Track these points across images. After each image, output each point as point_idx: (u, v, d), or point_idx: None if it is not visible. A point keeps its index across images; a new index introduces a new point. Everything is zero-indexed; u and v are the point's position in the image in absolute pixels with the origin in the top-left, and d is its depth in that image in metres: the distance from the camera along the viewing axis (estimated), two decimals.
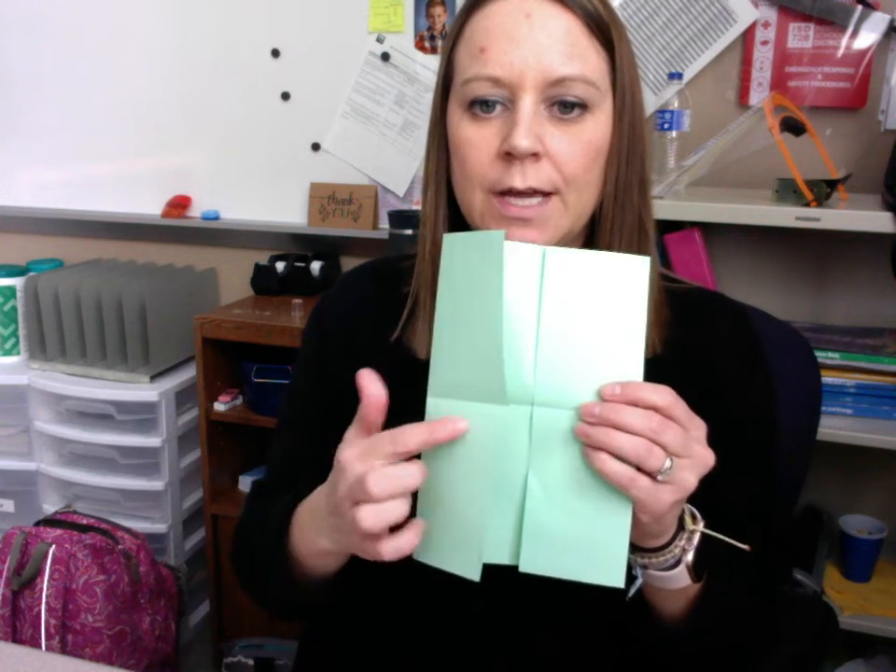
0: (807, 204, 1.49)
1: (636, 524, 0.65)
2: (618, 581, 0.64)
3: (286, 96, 2.15)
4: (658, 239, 1.68)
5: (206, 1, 2.16)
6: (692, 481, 0.64)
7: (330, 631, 0.94)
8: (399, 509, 0.63)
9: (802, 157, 1.54)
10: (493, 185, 0.76)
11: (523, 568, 0.66)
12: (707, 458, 0.64)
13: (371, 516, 0.63)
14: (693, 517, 0.71)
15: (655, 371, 0.66)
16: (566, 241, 0.81)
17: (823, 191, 1.50)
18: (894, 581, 1.70)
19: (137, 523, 2.02)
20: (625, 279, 0.63)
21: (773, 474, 0.87)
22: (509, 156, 0.75)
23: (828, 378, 1.55)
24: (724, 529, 0.72)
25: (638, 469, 0.61)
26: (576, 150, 0.75)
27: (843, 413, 1.58)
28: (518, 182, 0.75)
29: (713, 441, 0.68)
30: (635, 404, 0.61)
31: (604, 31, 0.76)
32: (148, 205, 2.33)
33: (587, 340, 0.63)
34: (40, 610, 1.70)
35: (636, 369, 0.63)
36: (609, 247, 0.81)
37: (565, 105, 0.75)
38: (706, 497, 0.68)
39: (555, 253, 0.64)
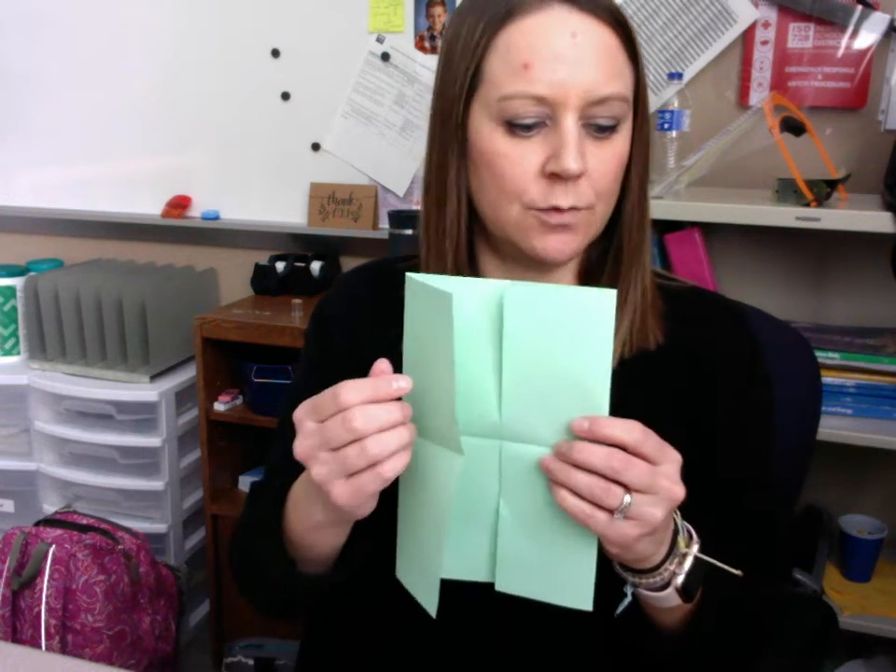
0: (807, 204, 1.49)
1: (607, 551, 0.67)
2: (586, 604, 0.66)
3: (286, 96, 2.15)
4: (658, 239, 1.68)
5: (206, 1, 2.16)
6: (658, 515, 0.63)
7: (331, 632, 0.94)
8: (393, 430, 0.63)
9: (802, 157, 1.54)
10: (534, 202, 0.75)
11: (498, 588, 0.69)
12: (675, 493, 0.64)
13: (361, 417, 0.62)
14: (691, 536, 0.71)
15: (654, 366, 0.65)
16: (589, 245, 0.81)
17: (823, 191, 1.50)
18: (894, 581, 1.70)
19: (137, 523, 2.02)
20: (591, 313, 0.61)
21: (770, 474, 0.87)
22: (554, 175, 0.73)
23: (828, 378, 1.55)
24: (722, 531, 0.71)
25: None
26: (609, 167, 0.75)
27: (843, 413, 1.58)
28: (562, 202, 0.74)
29: (712, 443, 0.68)
30: (603, 441, 0.61)
31: (633, 42, 0.75)
32: (148, 205, 2.33)
33: (551, 375, 0.62)
34: (40, 610, 1.70)
35: (601, 402, 0.62)
36: (618, 249, 0.82)
37: (601, 125, 0.74)
38: (705, 498, 0.67)
39: (515, 288, 0.62)
